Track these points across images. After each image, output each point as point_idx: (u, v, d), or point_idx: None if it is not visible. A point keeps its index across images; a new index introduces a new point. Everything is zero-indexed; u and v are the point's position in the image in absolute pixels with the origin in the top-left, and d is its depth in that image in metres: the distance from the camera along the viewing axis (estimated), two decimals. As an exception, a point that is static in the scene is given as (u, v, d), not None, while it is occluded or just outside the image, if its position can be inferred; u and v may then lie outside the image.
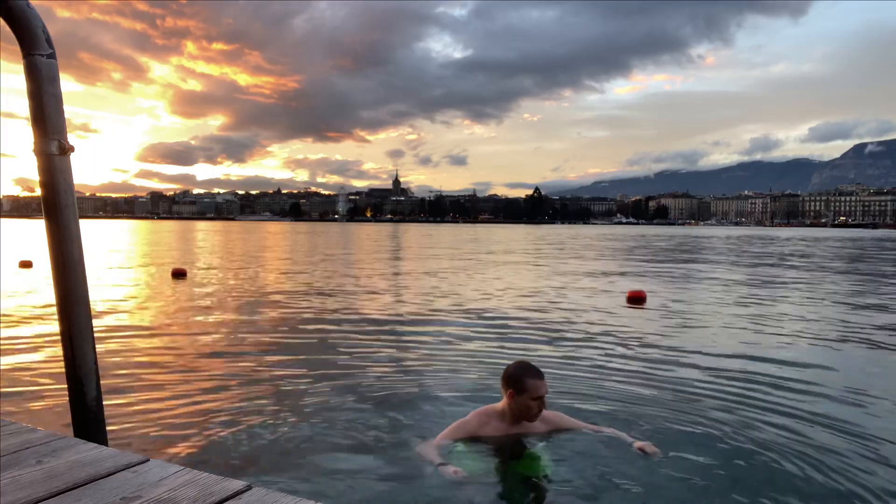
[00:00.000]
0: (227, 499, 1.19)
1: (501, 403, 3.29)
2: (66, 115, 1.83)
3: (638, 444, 3.26)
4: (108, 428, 1.94)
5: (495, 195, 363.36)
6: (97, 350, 1.90)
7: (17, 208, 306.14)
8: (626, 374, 5.15)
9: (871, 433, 3.72)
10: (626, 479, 2.94)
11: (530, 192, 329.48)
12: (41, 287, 10.88)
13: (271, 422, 3.80)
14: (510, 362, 3.37)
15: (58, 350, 2.00)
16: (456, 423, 3.30)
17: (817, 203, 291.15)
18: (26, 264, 15.52)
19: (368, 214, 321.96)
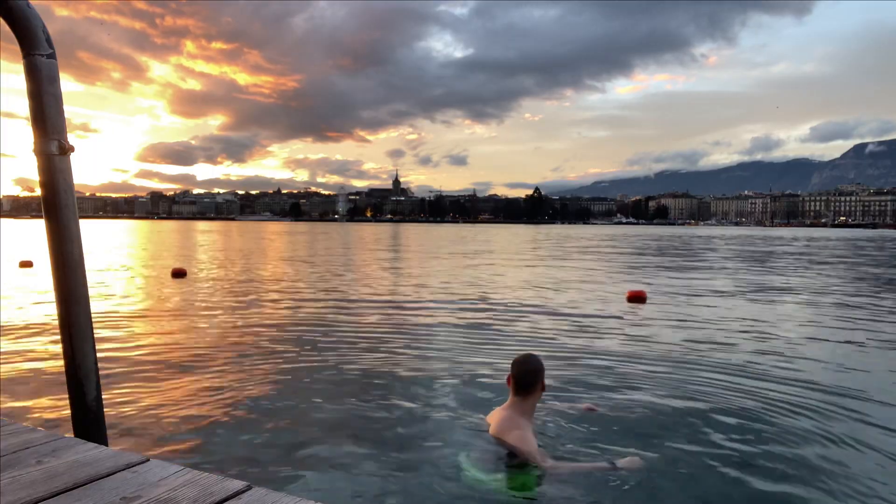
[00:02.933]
0: (227, 499, 1.19)
1: (520, 403, 3.19)
2: (66, 115, 1.83)
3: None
4: (107, 428, 1.94)
5: (495, 195, 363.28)
6: (97, 350, 1.90)
7: (17, 208, 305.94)
8: (626, 373, 5.15)
9: (870, 430, 3.72)
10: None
11: (530, 192, 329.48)
12: (41, 287, 10.88)
13: (271, 421, 3.80)
14: (518, 359, 3.30)
15: (58, 350, 2.00)
16: (531, 437, 3.07)
17: (817, 203, 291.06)
18: (26, 264, 15.53)
19: (368, 214, 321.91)
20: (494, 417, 3.30)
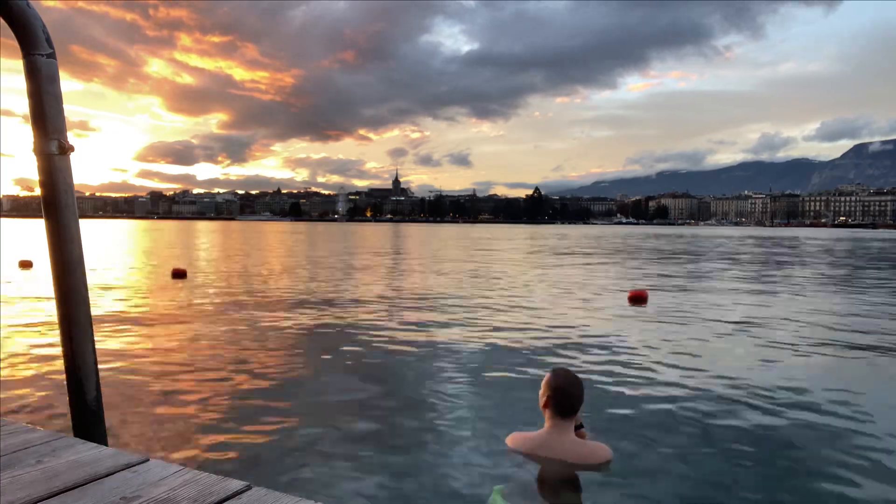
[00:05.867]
0: (227, 498, 1.19)
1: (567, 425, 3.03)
2: (64, 114, 1.83)
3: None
4: (107, 428, 1.95)
5: (495, 195, 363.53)
6: (97, 350, 1.91)
7: (17, 208, 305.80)
8: (625, 374, 5.14)
9: (869, 434, 3.72)
10: (612, 476, 2.95)
11: (531, 191, 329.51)
12: (41, 287, 10.87)
13: (271, 422, 3.80)
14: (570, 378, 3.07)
15: (58, 351, 2.00)
16: (588, 443, 3.06)
17: (817, 203, 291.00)
18: (26, 264, 15.52)
19: (368, 214, 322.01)
20: (541, 444, 3.01)
